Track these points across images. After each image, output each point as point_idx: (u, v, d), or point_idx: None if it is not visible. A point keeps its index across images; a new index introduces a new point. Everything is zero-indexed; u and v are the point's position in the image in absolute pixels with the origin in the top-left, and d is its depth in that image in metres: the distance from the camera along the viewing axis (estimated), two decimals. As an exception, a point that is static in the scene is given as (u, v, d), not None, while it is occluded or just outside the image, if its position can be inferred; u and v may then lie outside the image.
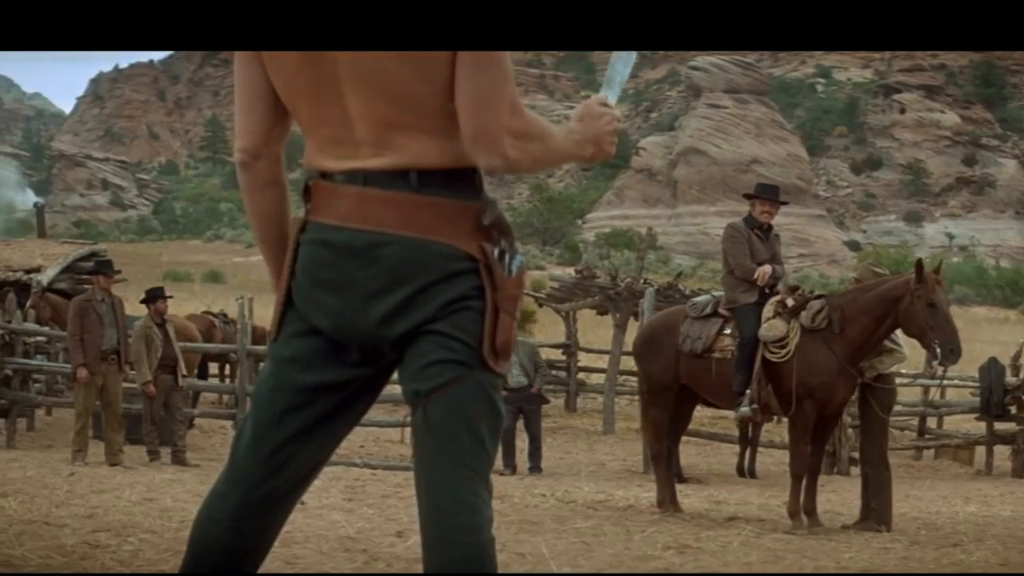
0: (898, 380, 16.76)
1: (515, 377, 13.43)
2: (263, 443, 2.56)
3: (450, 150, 2.46)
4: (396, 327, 2.47)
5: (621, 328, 18.80)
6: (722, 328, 9.07)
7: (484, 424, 2.46)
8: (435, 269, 2.44)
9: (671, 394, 9.37)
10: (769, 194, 9.44)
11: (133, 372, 12.51)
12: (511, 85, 2.43)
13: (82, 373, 11.80)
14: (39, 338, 15.94)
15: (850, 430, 14.53)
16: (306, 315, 2.55)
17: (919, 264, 8.54)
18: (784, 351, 8.66)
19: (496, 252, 2.46)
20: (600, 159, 2.58)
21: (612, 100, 2.61)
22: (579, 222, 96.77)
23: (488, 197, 2.49)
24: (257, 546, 2.61)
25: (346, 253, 2.48)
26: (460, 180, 2.48)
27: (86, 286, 16.20)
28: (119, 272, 14.05)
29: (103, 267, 12.80)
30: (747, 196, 9.55)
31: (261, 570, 2.65)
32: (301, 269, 2.55)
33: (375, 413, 13.19)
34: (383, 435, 15.35)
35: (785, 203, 9.72)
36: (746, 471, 13.73)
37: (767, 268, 8.99)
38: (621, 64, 2.69)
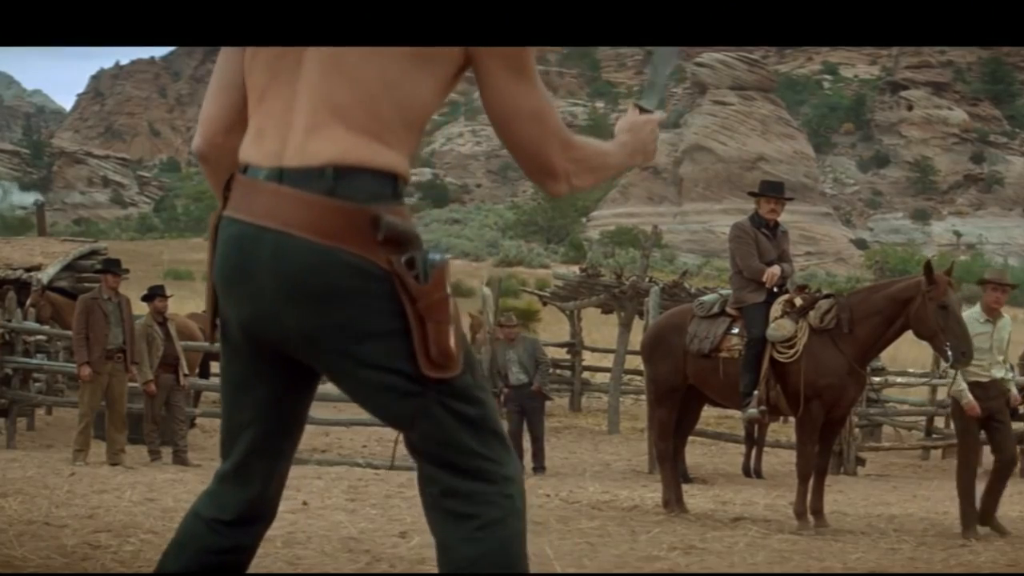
0: (904, 379, 16.86)
1: (515, 375, 13.37)
2: (233, 454, 2.58)
3: (383, 154, 2.37)
4: (314, 346, 2.38)
5: (626, 327, 18.76)
6: (730, 327, 9.00)
7: (464, 433, 2.41)
8: (342, 280, 2.32)
9: (679, 395, 9.32)
10: (773, 191, 9.37)
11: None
12: (554, 120, 2.50)
13: (85, 371, 11.77)
14: (39, 337, 15.89)
15: (857, 430, 14.46)
16: (226, 319, 2.50)
17: (928, 265, 8.46)
18: (792, 351, 8.59)
19: (403, 260, 2.33)
20: (647, 163, 2.82)
21: (653, 104, 2.80)
22: (584, 220, 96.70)
23: (384, 206, 2.35)
24: (244, 546, 2.59)
25: (252, 252, 2.38)
26: (380, 186, 2.37)
27: (87, 284, 16.19)
28: (127, 271, 14.00)
29: (111, 266, 12.76)
30: (752, 194, 9.49)
31: (263, 570, 2.60)
32: (216, 270, 2.48)
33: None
34: (386, 435, 15.30)
35: (791, 199, 9.65)
36: (752, 471, 13.66)
37: (776, 268, 8.92)
38: (662, 67, 2.80)
